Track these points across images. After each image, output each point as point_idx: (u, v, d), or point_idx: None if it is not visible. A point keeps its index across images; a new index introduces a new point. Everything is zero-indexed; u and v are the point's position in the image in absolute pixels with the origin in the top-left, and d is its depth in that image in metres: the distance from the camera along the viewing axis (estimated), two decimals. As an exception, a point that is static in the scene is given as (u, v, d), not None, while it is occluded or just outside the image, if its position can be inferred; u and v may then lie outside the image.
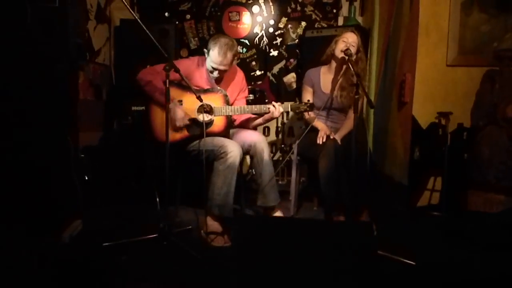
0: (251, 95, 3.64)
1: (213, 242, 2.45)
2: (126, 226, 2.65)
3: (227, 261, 2.16)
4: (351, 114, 2.83)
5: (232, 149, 2.48)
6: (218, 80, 2.73)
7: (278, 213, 2.72)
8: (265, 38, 4.68)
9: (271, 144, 4.62)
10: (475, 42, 2.99)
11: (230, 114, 2.65)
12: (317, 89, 3.01)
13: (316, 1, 4.57)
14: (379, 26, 4.04)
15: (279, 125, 4.11)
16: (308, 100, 2.72)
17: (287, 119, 4.25)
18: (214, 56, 2.57)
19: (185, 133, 2.63)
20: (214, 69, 2.62)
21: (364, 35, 3.67)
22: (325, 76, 3.01)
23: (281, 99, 2.88)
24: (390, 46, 3.68)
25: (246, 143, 2.64)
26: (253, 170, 2.70)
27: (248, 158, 2.91)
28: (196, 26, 4.69)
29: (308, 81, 3.04)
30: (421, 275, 2.07)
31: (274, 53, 4.69)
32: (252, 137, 2.67)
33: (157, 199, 2.83)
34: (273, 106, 2.58)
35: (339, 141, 2.79)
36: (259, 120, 2.77)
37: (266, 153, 2.63)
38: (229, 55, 2.59)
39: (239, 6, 4.66)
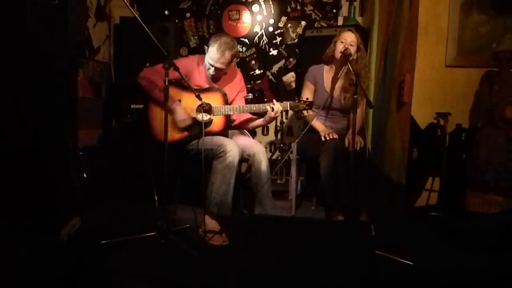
0: (250, 94, 3.64)
1: (211, 240, 2.45)
2: (124, 224, 2.65)
3: (225, 260, 2.17)
4: (360, 113, 2.91)
5: (231, 148, 2.48)
6: (215, 79, 2.72)
7: None
8: (264, 37, 4.68)
9: (270, 144, 4.62)
10: (474, 43, 2.99)
11: (229, 113, 2.65)
12: (320, 87, 3.00)
13: (316, 0, 4.58)
14: (378, 26, 4.05)
15: (278, 124, 4.11)
16: (307, 98, 2.71)
17: (286, 119, 4.25)
18: (213, 52, 2.58)
19: (184, 132, 2.63)
20: (211, 65, 2.62)
21: (364, 35, 3.67)
22: (328, 75, 3.00)
23: (280, 98, 2.88)
24: (390, 47, 3.69)
25: (245, 152, 2.62)
26: (250, 176, 2.67)
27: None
28: (196, 24, 4.69)
29: (310, 78, 3.02)
30: (419, 275, 2.08)
31: (274, 52, 4.69)
32: (252, 147, 2.64)
33: (156, 198, 2.83)
34: (272, 105, 2.57)
35: (353, 142, 2.75)
36: (260, 122, 2.75)
37: (264, 164, 2.59)
38: (228, 54, 2.58)
39: (239, 5, 4.66)
